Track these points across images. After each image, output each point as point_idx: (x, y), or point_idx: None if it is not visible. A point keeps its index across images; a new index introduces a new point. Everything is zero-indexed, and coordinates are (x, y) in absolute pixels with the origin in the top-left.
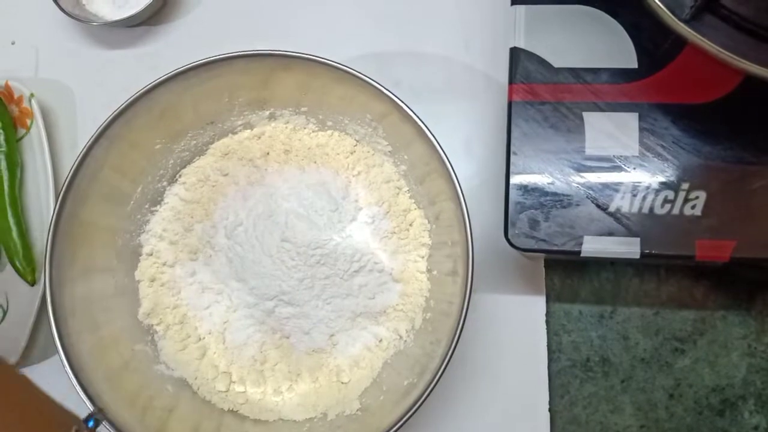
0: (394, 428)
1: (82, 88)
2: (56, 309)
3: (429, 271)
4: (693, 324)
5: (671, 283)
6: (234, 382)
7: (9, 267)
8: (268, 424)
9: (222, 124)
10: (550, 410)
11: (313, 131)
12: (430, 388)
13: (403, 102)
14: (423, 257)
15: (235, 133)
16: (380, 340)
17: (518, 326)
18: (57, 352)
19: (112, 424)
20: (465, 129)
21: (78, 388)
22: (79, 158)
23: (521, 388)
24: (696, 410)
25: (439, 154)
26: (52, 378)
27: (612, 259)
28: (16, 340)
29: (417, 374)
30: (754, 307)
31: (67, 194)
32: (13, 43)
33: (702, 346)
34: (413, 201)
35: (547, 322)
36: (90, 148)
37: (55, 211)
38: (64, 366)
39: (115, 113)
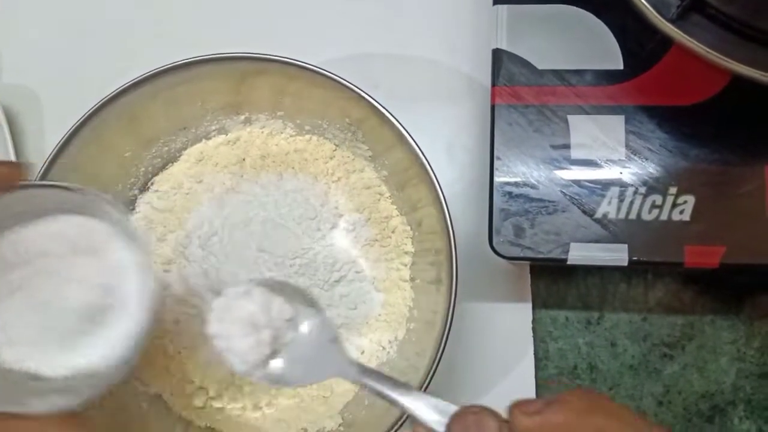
0: None
1: (48, 93)
2: None
3: (412, 279)
4: (681, 329)
5: (659, 288)
6: (211, 398)
7: None
8: None
9: (195, 129)
10: None
11: (290, 136)
12: None
13: (381, 106)
14: (406, 265)
15: (209, 138)
16: (362, 352)
17: (504, 334)
18: None
19: None
20: (447, 133)
21: None
22: (45, 165)
23: (508, 396)
24: (685, 417)
25: (421, 159)
26: None
27: (599, 266)
28: None
29: None
30: (743, 311)
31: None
32: None
33: (691, 352)
34: (395, 207)
35: (534, 329)
36: (56, 155)
37: None
38: None
39: (82, 119)
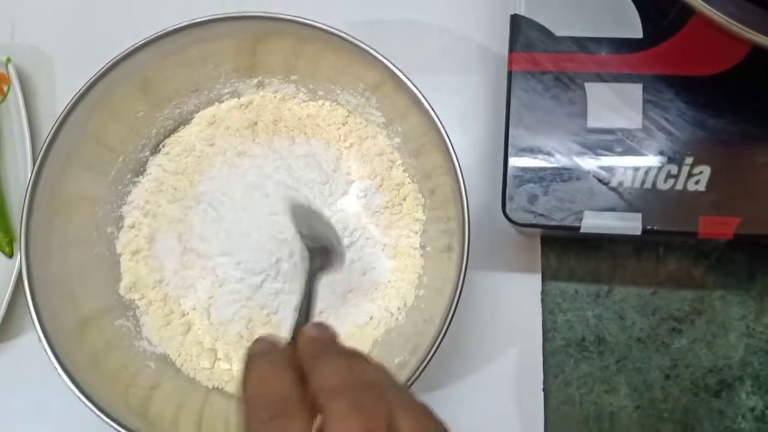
0: None
1: (60, 54)
2: (32, 281)
3: (422, 247)
4: (691, 304)
5: (670, 262)
6: (219, 359)
7: None
8: None
9: (208, 92)
10: (544, 390)
11: (303, 101)
12: (422, 367)
13: (399, 69)
14: (416, 233)
15: (222, 101)
16: (371, 318)
17: (513, 305)
18: (33, 325)
19: None
20: (460, 102)
21: (55, 362)
22: (56, 125)
23: (515, 367)
24: (692, 391)
25: (436, 126)
26: (29, 354)
27: (612, 236)
28: None
29: (409, 352)
30: (753, 288)
31: (44, 163)
32: None
33: (700, 327)
34: (407, 175)
35: (543, 301)
36: (68, 116)
37: (32, 180)
38: (40, 339)
39: (93, 79)
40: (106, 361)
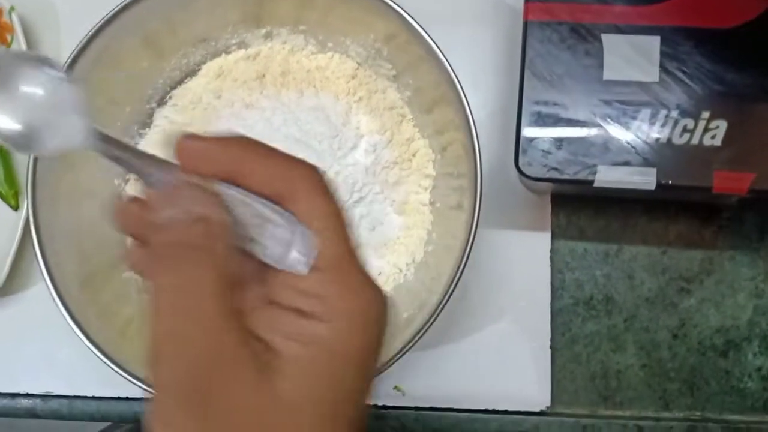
0: (391, 361)
1: (65, 2)
2: (40, 232)
3: (432, 203)
4: (700, 264)
5: (680, 222)
6: None
7: None
8: None
9: (215, 43)
10: (551, 348)
11: (312, 53)
12: (429, 323)
13: (414, 20)
14: (426, 189)
15: (229, 52)
16: (379, 274)
17: (521, 263)
18: (41, 276)
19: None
20: (472, 57)
21: (63, 311)
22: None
23: (523, 325)
24: (699, 351)
25: (451, 80)
26: (36, 307)
27: (625, 191)
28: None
29: (417, 308)
30: (763, 248)
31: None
32: None
33: (708, 287)
34: (417, 130)
35: (552, 260)
36: (71, 66)
37: None
38: (48, 289)
39: (95, 29)
40: (114, 313)
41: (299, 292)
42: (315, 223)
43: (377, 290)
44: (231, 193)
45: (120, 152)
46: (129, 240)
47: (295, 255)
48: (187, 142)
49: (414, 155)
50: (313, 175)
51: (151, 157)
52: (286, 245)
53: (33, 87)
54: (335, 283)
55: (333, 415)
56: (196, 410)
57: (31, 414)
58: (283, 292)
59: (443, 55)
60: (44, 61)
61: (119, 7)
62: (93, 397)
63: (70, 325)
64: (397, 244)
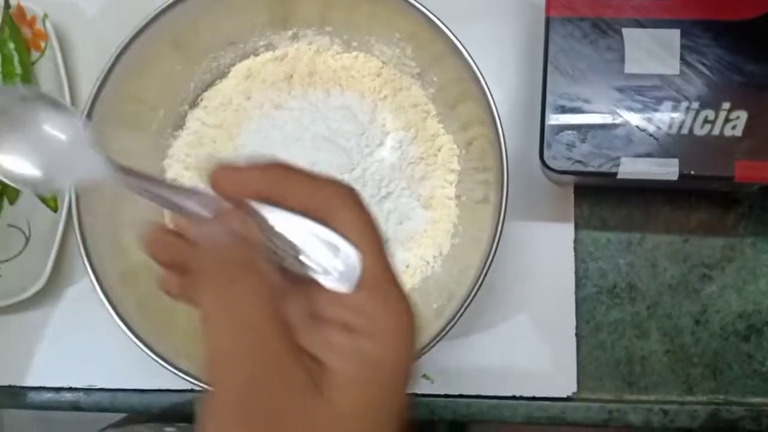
0: (424, 350)
1: (97, 9)
2: (84, 232)
3: (458, 197)
4: (722, 251)
5: (702, 210)
6: None
7: (30, 194)
8: None
9: (243, 45)
10: (576, 335)
11: (337, 53)
12: (459, 314)
13: (436, 17)
14: (451, 183)
15: (257, 54)
16: (407, 266)
17: (546, 253)
18: (86, 272)
19: None
20: (494, 52)
21: (108, 306)
22: (98, 84)
23: (548, 313)
24: (722, 336)
25: (474, 75)
26: (82, 301)
27: (648, 182)
28: (40, 266)
29: (445, 299)
30: None
31: (89, 119)
32: None
33: (730, 273)
34: (442, 126)
35: (575, 250)
36: (108, 74)
37: None
38: (93, 285)
39: (129, 38)
40: (152, 306)
41: (345, 308)
42: (355, 239)
43: (412, 307)
44: (271, 213)
45: (145, 184)
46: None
47: (338, 271)
48: (223, 171)
49: (439, 150)
50: (348, 193)
51: (177, 187)
52: (329, 261)
53: (50, 131)
54: (379, 300)
55: (380, 424)
56: (252, 420)
57: (75, 407)
58: (328, 307)
59: (466, 50)
60: (56, 104)
61: (151, 16)
62: (135, 390)
63: (114, 319)
64: (424, 237)
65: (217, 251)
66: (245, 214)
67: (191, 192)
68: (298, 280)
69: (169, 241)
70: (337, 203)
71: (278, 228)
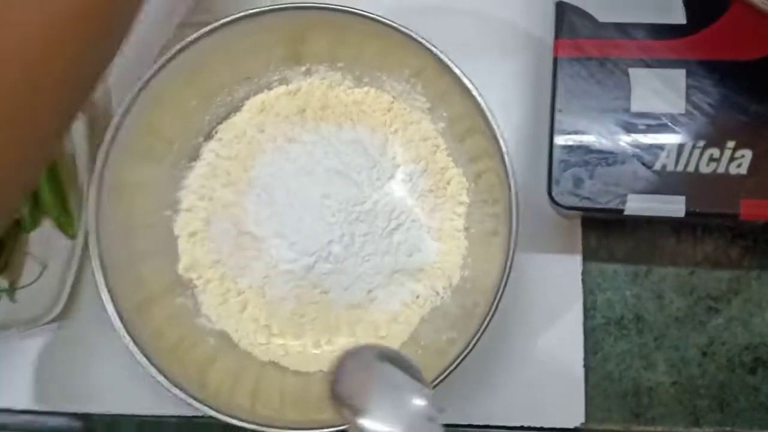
0: (434, 383)
1: None
2: (101, 262)
3: (467, 229)
4: (728, 284)
5: (707, 243)
6: (274, 335)
7: (46, 222)
8: (308, 375)
9: (258, 80)
10: (584, 366)
11: (349, 88)
12: (470, 347)
13: (443, 54)
14: (460, 215)
15: (271, 88)
16: (417, 297)
17: (554, 284)
18: (103, 303)
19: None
20: (502, 87)
21: (126, 336)
22: (117, 119)
23: (556, 344)
24: (728, 367)
25: (482, 110)
26: (95, 328)
27: (655, 218)
28: (57, 293)
29: (456, 330)
30: None
31: (108, 153)
32: None
33: (736, 306)
34: (451, 159)
35: (583, 281)
36: (127, 109)
37: (97, 169)
38: (110, 315)
39: (150, 74)
40: (168, 337)
41: None
42: None
43: None
44: None
45: None
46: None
47: None
48: None
49: (448, 183)
50: None
51: None
52: None
53: (407, 396)
54: None
55: None
56: None
57: (88, 431)
58: None
59: (474, 86)
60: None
61: (171, 54)
62: (144, 416)
63: (128, 347)
64: (433, 268)
65: None
66: None
67: None
68: None
69: None
70: None
71: None
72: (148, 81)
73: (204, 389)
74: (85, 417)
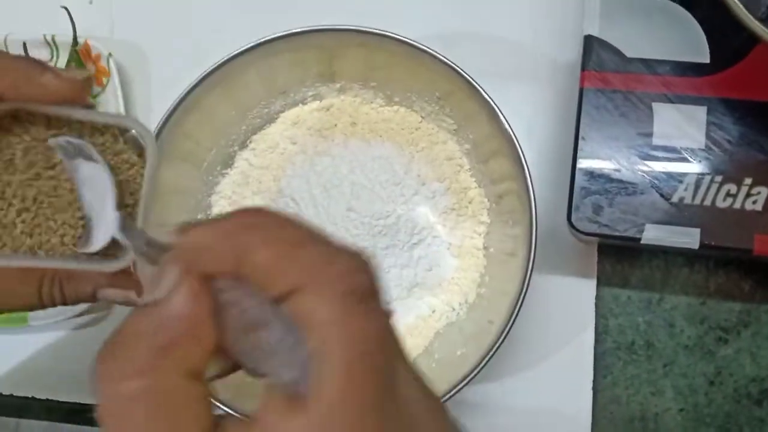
0: (446, 397)
1: (155, 51)
2: None
3: (486, 248)
4: (738, 315)
5: (720, 274)
6: None
7: None
8: None
9: (293, 95)
10: (593, 389)
11: (380, 106)
12: (482, 364)
13: (472, 78)
14: (480, 234)
15: (305, 103)
16: (433, 311)
17: (568, 307)
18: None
19: None
20: (527, 114)
21: None
22: (159, 125)
23: (567, 366)
24: (735, 398)
25: (508, 134)
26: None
27: (670, 248)
28: None
29: (469, 346)
30: None
31: None
32: (90, 2)
33: (746, 338)
34: (474, 179)
35: (596, 305)
36: (168, 118)
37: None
38: None
39: (192, 85)
40: None
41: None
42: (314, 336)
43: None
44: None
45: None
46: None
47: (288, 377)
48: (185, 236)
49: (470, 203)
50: (342, 270)
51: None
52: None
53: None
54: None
55: None
56: None
57: None
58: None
59: (500, 110)
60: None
61: (210, 69)
62: None
63: None
64: (451, 284)
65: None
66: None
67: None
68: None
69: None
70: (311, 281)
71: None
72: (189, 92)
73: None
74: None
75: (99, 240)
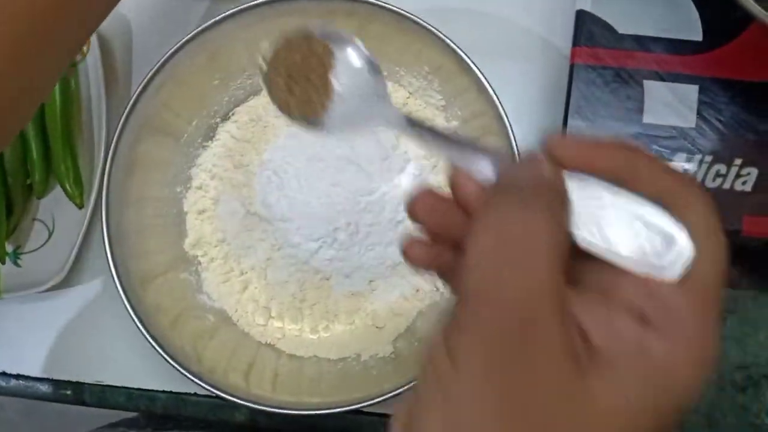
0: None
1: (138, 19)
2: (110, 232)
3: None
4: (724, 302)
5: None
6: (273, 318)
7: (56, 189)
8: (303, 359)
9: None
10: None
11: None
12: None
13: (464, 52)
14: None
15: None
16: (417, 290)
17: None
18: (106, 274)
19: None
20: (517, 91)
21: (128, 307)
22: (135, 95)
23: None
24: (719, 385)
25: (497, 111)
26: (96, 299)
27: None
28: (61, 260)
29: None
30: None
31: (125, 126)
32: None
33: (731, 325)
34: None
35: None
36: (147, 85)
37: (114, 141)
38: (115, 285)
39: (170, 52)
40: (169, 311)
41: (651, 298)
42: (701, 240)
43: (716, 348)
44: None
45: (431, 138)
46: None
47: (665, 262)
48: (569, 143)
49: None
50: (706, 195)
51: (464, 143)
52: (656, 249)
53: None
54: (698, 310)
55: None
56: (499, 371)
57: (80, 401)
58: (628, 288)
59: (490, 86)
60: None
61: (191, 34)
62: (139, 389)
63: (132, 319)
64: None
65: (513, 183)
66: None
67: (478, 149)
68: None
69: (435, 203)
70: (692, 199)
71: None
72: (168, 59)
73: (200, 364)
74: (76, 385)
75: None
